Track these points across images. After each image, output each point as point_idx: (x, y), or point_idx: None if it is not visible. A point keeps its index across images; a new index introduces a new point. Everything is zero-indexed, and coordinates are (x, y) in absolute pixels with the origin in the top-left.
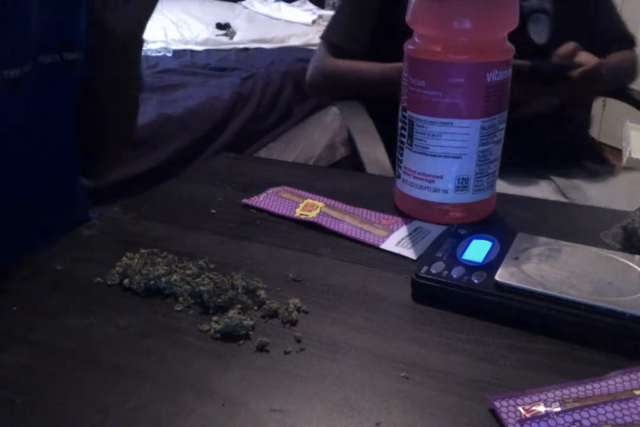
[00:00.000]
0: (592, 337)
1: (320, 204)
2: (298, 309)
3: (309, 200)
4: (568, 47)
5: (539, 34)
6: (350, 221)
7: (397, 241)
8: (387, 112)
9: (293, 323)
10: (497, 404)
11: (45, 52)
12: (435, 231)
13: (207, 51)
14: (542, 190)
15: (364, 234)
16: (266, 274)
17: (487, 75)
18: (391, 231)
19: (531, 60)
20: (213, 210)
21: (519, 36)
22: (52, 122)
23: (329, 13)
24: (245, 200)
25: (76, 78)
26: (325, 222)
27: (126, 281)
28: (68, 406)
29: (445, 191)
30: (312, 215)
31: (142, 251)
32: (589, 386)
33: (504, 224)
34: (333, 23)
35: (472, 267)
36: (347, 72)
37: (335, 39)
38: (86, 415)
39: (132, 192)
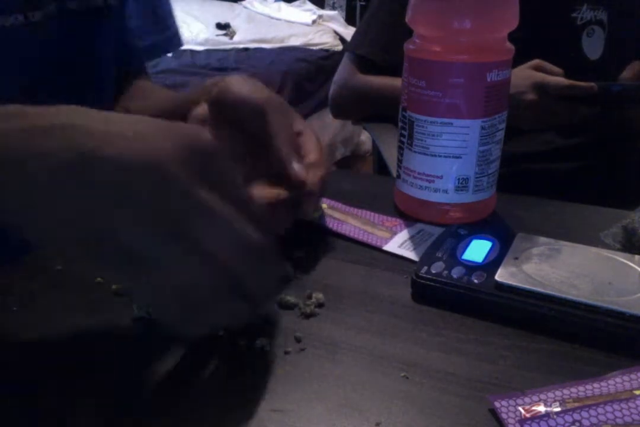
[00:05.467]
0: (592, 337)
1: (323, 206)
2: (319, 305)
3: None
4: (635, 67)
5: (593, 48)
6: (353, 223)
7: (399, 243)
8: None
9: (307, 316)
10: (497, 404)
11: None
12: (438, 233)
13: (207, 51)
14: None
15: (367, 236)
16: None
17: (487, 75)
18: (394, 233)
19: (595, 81)
20: None
21: (572, 51)
22: (84, 78)
23: (329, 13)
24: None
25: (111, 31)
26: (328, 223)
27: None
28: (68, 405)
29: (445, 191)
30: (314, 216)
31: None
32: (589, 386)
33: (504, 224)
34: (361, 34)
35: (472, 267)
36: (380, 89)
37: (365, 51)
38: (86, 414)
39: None
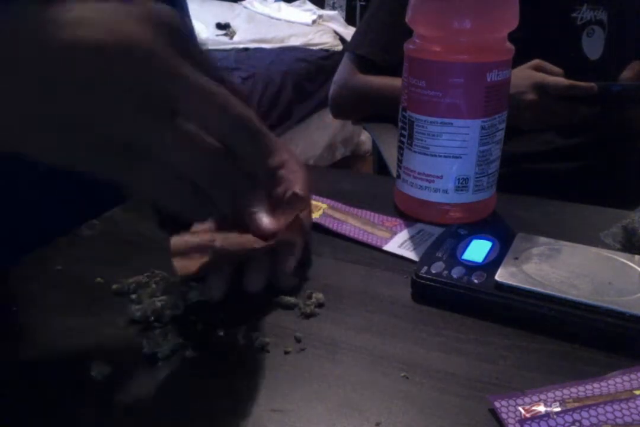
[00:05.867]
0: (592, 337)
1: (324, 206)
2: (319, 305)
3: (313, 202)
4: (635, 67)
5: (593, 48)
6: (353, 223)
7: (399, 243)
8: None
9: (307, 316)
10: (497, 404)
11: None
12: (438, 233)
13: (207, 51)
14: None
15: (367, 236)
16: None
17: (487, 75)
18: (394, 233)
19: (595, 81)
20: None
21: (572, 51)
22: None
23: (329, 13)
24: None
25: None
26: (328, 223)
27: (133, 296)
28: (68, 405)
29: (445, 191)
30: (315, 216)
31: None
32: (589, 386)
33: (504, 224)
34: (361, 34)
35: (472, 267)
36: (380, 89)
37: (365, 51)
38: (87, 414)
39: None
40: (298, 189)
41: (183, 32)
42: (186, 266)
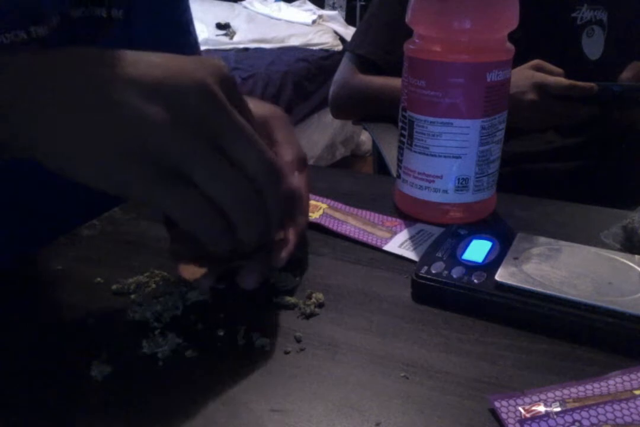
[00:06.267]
0: (592, 337)
1: (324, 206)
2: (319, 305)
3: (313, 202)
4: (635, 67)
5: (593, 48)
6: (353, 223)
7: (399, 243)
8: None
9: (307, 316)
10: (497, 404)
11: (77, 4)
12: (438, 233)
13: (207, 51)
14: None
15: (367, 236)
16: None
17: (487, 75)
18: (394, 233)
19: (595, 81)
20: None
21: (572, 51)
22: None
23: (329, 13)
24: None
25: (115, 42)
26: (328, 223)
27: (133, 296)
28: (68, 405)
29: (445, 191)
30: (315, 216)
31: (156, 272)
32: (589, 386)
33: (504, 224)
34: (361, 33)
35: (472, 267)
36: (380, 89)
37: (365, 51)
38: (87, 414)
39: None
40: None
41: (232, 80)
42: (194, 272)
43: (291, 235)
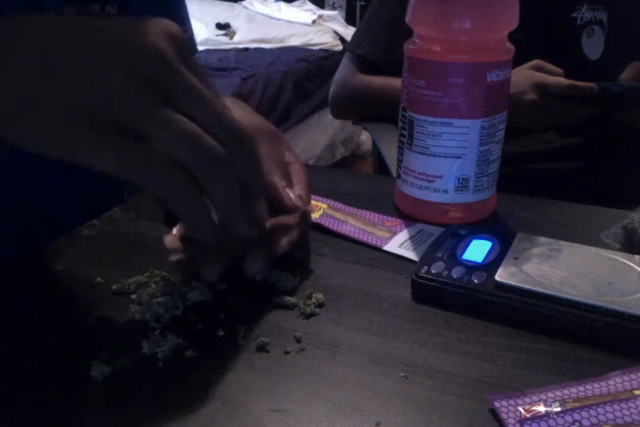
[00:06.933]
0: (592, 337)
1: (324, 206)
2: (319, 305)
3: (313, 202)
4: (635, 67)
5: (593, 48)
6: (353, 223)
7: (399, 243)
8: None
9: (307, 316)
10: (497, 404)
11: (70, 1)
12: (438, 233)
13: (207, 51)
14: None
15: (367, 236)
16: None
17: (487, 75)
18: (394, 233)
19: (595, 81)
20: None
21: (572, 52)
22: None
23: (329, 13)
24: None
25: None
26: (328, 223)
27: (133, 296)
28: (68, 405)
29: (445, 191)
30: (315, 216)
31: (156, 272)
32: (589, 386)
33: (504, 224)
34: (361, 33)
35: (472, 267)
36: (380, 89)
37: (365, 51)
38: (87, 414)
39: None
40: (300, 190)
41: (183, 40)
42: (184, 261)
43: (292, 221)
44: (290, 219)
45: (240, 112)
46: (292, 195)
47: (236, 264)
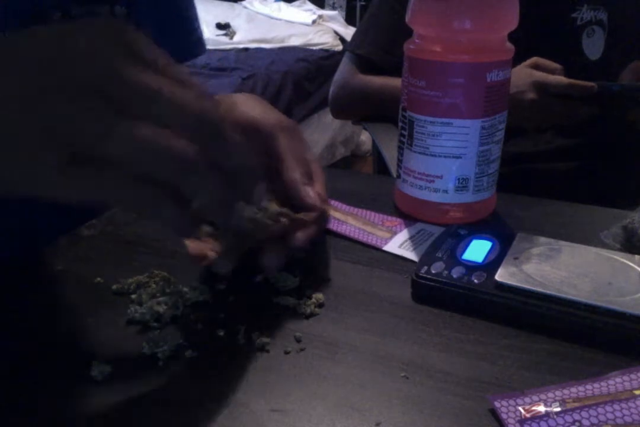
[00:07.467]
0: (592, 337)
1: None
2: (320, 305)
3: None
4: (635, 67)
5: (593, 48)
6: (353, 223)
7: (399, 243)
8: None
9: (307, 316)
10: (497, 404)
11: (79, 1)
12: (439, 233)
13: (207, 51)
14: None
15: (367, 236)
16: None
17: (487, 75)
18: (394, 233)
19: (596, 81)
20: None
21: (572, 52)
22: None
23: (329, 13)
24: None
25: None
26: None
27: (133, 296)
28: (68, 405)
29: (445, 191)
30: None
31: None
32: (589, 386)
33: (504, 224)
34: (361, 33)
35: (472, 267)
36: (381, 89)
37: (365, 51)
38: (87, 414)
39: None
40: (319, 188)
41: (131, 37)
42: (200, 248)
43: (311, 218)
44: (308, 216)
45: (258, 108)
46: (312, 193)
47: (246, 262)
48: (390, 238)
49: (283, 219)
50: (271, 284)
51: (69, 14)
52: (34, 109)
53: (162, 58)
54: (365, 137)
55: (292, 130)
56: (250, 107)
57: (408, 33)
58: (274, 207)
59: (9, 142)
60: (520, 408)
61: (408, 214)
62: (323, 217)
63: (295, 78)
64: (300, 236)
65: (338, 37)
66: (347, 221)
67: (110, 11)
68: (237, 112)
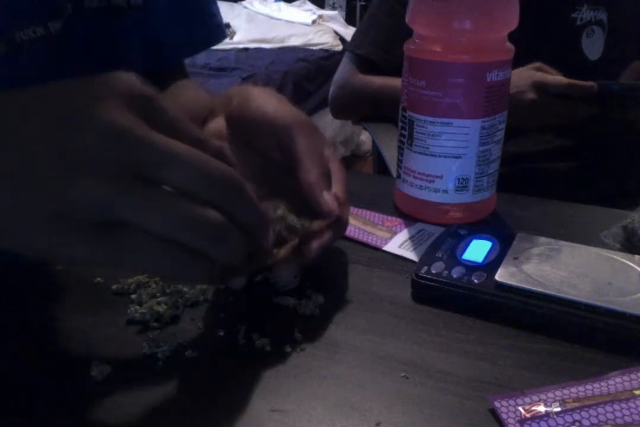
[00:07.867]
0: (592, 337)
1: None
2: (320, 305)
3: None
4: (635, 67)
5: (593, 49)
6: (353, 222)
7: (399, 243)
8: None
9: (307, 317)
10: (497, 404)
11: None
12: (438, 233)
13: (207, 51)
14: None
15: (367, 236)
16: None
17: (487, 75)
18: (394, 233)
19: (596, 80)
20: None
21: (572, 52)
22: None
23: (329, 13)
24: None
25: (135, 30)
26: None
27: (133, 296)
28: (68, 405)
29: (445, 191)
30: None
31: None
32: (589, 386)
33: (504, 224)
34: (362, 33)
35: (472, 267)
36: (381, 89)
37: (365, 51)
38: (86, 413)
39: None
40: (338, 190)
41: (145, 96)
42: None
43: (324, 227)
44: (322, 224)
45: (274, 102)
46: (329, 198)
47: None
48: (390, 238)
49: (297, 232)
50: (271, 284)
51: (81, 7)
52: (54, 188)
53: (174, 116)
54: (365, 137)
55: (309, 127)
56: (266, 101)
57: (408, 33)
58: (290, 217)
59: (23, 220)
60: (520, 408)
61: (408, 214)
62: (339, 224)
63: (295, 78)
64: (315, 246)
65: (338, 37)
66: None
67: (127, 2)
68: (252, 107)
